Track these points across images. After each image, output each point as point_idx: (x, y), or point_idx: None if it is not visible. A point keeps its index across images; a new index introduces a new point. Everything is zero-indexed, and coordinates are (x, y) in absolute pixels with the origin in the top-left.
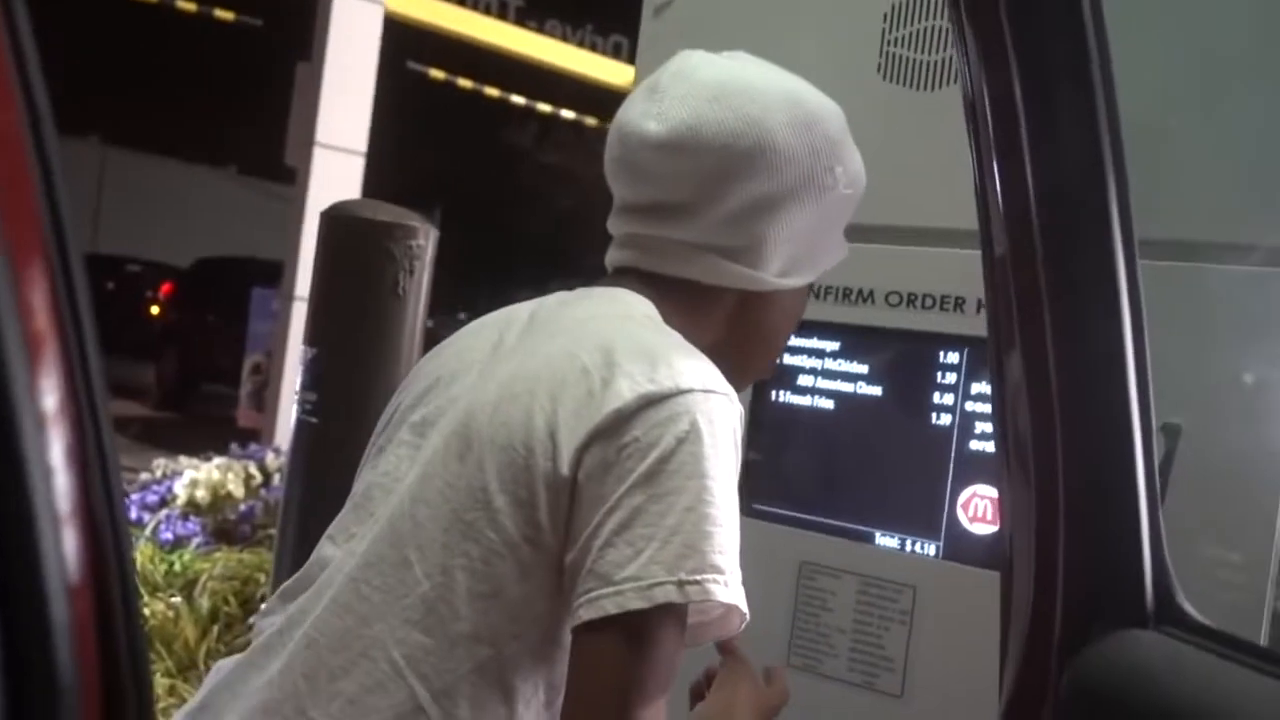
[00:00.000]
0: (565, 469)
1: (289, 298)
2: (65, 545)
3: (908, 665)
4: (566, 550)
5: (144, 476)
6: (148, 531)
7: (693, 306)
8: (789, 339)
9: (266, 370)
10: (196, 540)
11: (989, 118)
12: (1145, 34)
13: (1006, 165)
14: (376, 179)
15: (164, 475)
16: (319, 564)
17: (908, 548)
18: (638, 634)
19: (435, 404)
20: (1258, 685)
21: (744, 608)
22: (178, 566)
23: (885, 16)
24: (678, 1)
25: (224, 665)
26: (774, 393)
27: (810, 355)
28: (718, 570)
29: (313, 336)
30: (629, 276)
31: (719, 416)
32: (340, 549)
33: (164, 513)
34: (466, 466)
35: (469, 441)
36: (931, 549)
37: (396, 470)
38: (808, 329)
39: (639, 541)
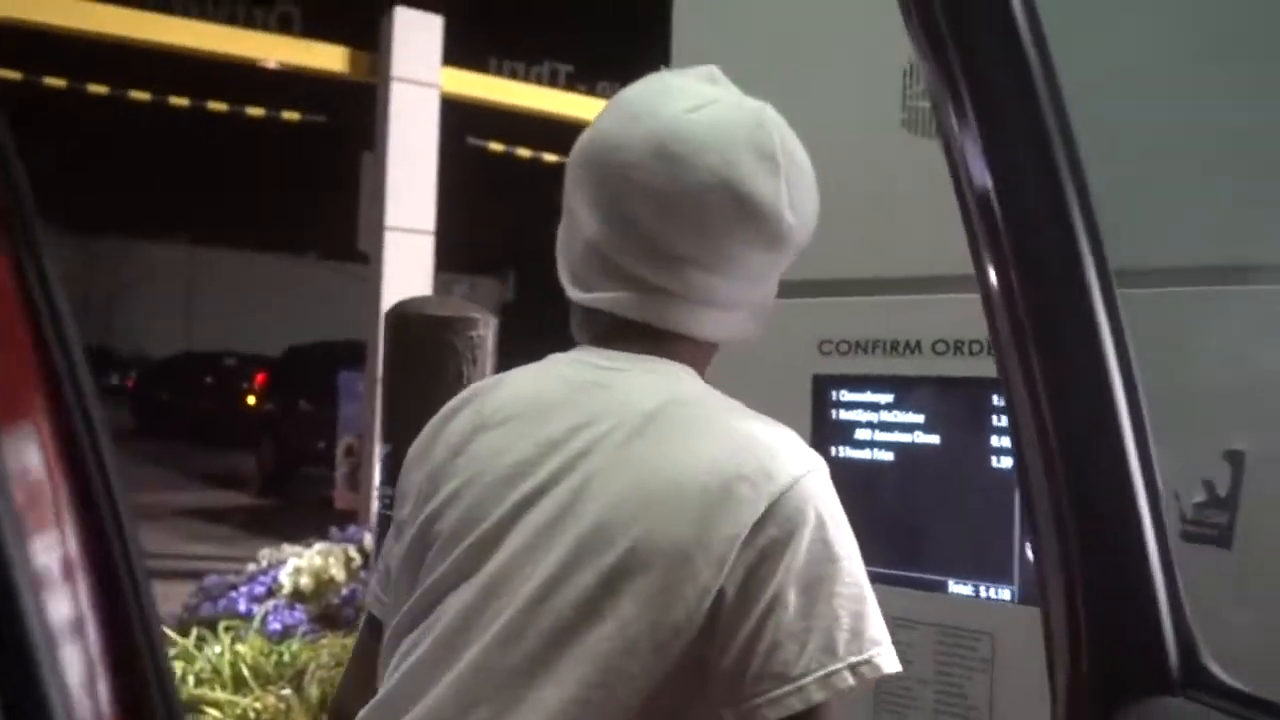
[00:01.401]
0: (711, 580)
1: (374, 380)
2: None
3: (993, 713)
4: (720, 657)
5: (250, 567)
6: (256, 623)
7: (701, 361)
8: None
9: (359, 452)
10: (302, 629)
11: (963, 168)
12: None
13: (982, 215)
14: (450, 253)
15: (269, 564)
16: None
17: (982, 594)
18: None
19: (536, 495)
20: None
21: (898, 669)
22: (286, 657)
23: (905, 73)
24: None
25: None
26: (833, 449)
27: (865, 409)
28: (877, 643)
29: (387, 432)
30: (623, 331)
31: (827, 491)
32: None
33: (271, 603)
34: (600, 596)
35: (579, 554)
36: (1006, 594)
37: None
38: (859, 384)
39: (803, 635)
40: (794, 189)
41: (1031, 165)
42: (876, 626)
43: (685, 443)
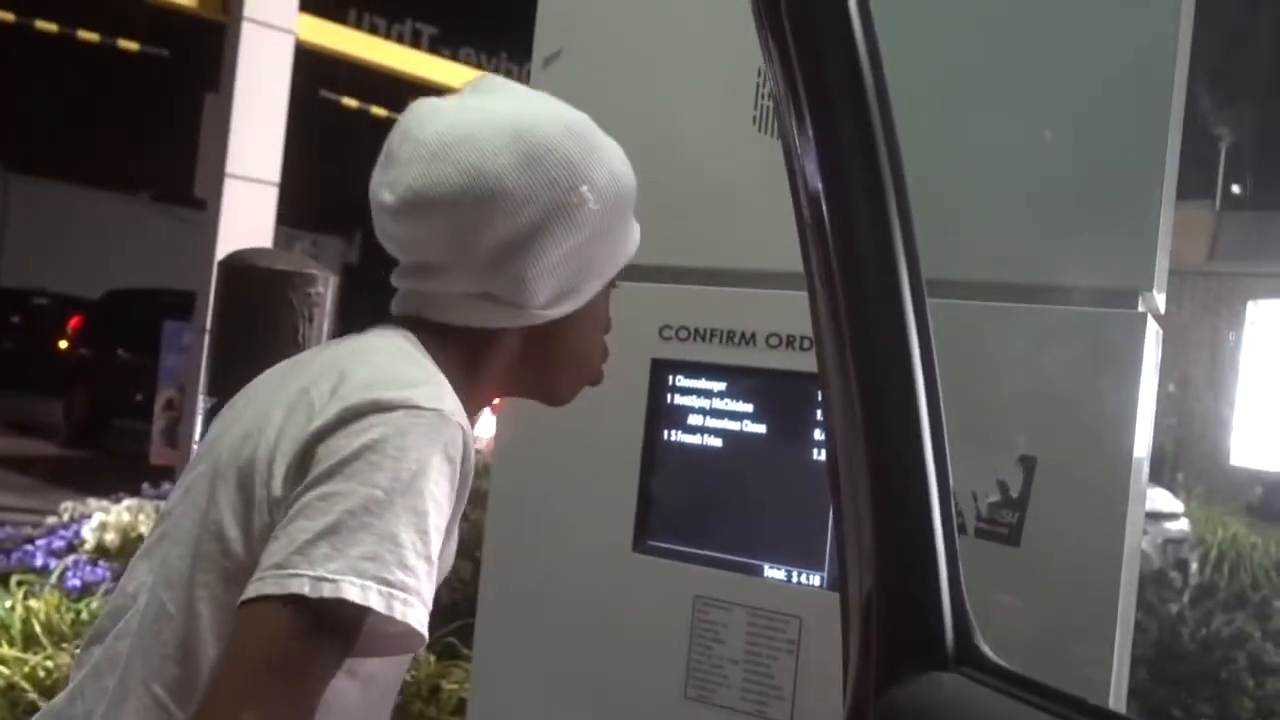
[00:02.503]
0: (278, 490)
1: (202, 331)
2: None
3: (796, 693)
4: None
5: (50, 520)
6: (53, 579)
7: (476, 347)
8: (601, 346)
9: (179, 406)
10: (106, 586)
11: (798, 170)
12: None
13: (810, 215)
14: (294, 208)
15: (71, 519)
16: (113, 610)
17: (794, 579)
18: (268, 621)
19: (205, 448)
20: None
21: (386, 612)
22: (85, 615)
23: (759, 71)
24: (564, 54)
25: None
26: (665, 432)
27: (698, 395)
28: (359, 574)
29: (212, 385)
30: (411, 321)
31: (417, 433)
32: (128, 592)
33: (71, 558)
34: (210, 503)
35: (213, 480)
36: (816, 580)
37: (170, 513)
38: (695, 371)
39: (297, 534)
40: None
41: (858, 172)
42: (373, 565)
43: (318, 370)
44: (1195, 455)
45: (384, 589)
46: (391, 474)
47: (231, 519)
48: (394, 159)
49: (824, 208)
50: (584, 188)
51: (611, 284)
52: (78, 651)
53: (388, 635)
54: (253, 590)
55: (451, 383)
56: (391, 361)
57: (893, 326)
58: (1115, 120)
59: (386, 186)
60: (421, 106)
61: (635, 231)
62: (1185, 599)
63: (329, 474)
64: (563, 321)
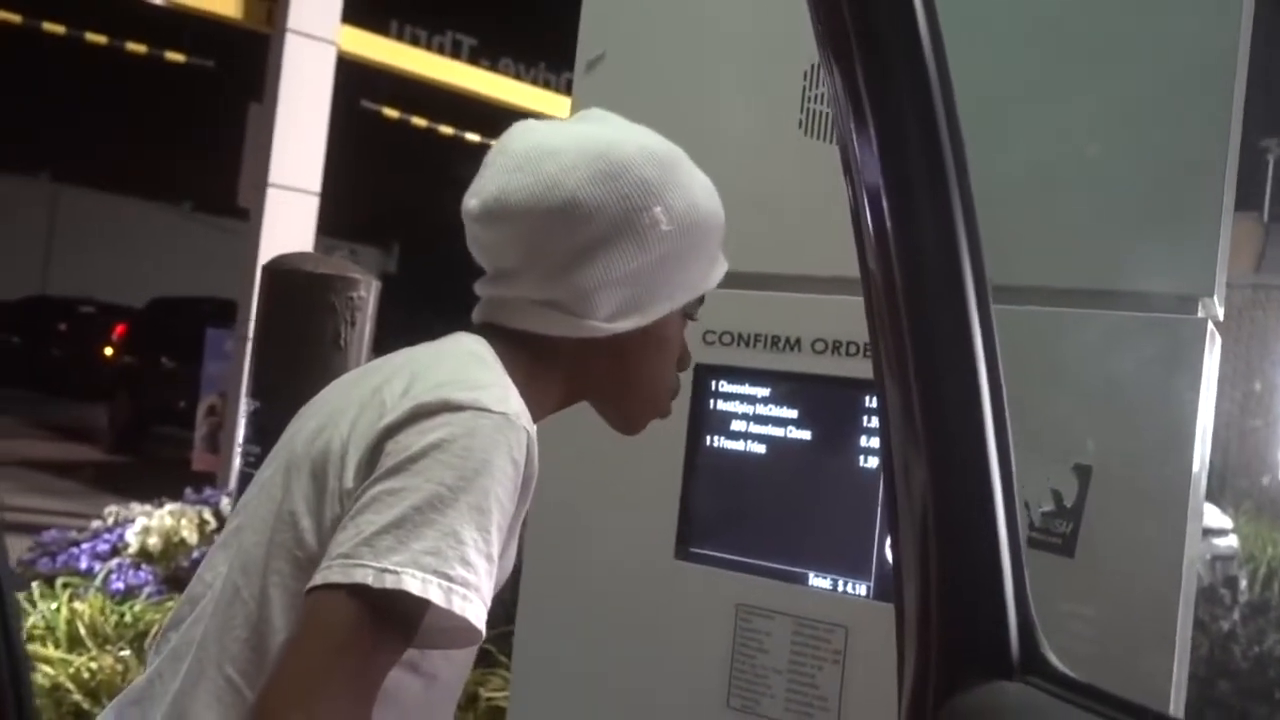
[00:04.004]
0: (350, 482)
1: (244, 339)
2: None
3: (842, 704)
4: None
5: (95, 524)
6: (98, 582)
7: (542, 355)
8: (672, 377)
9: (221, 412)
10: (148, 589)
11: (857, 174)
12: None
13: (872, 220)
14: (334, 218)
15: (115, 522)
16: (190, 596)
17: (840, 588)
18: (332, 608)
19: (280, 446)
20: None
21: (445, 605)
22: (129, 618)
23: (805, 75)
24: (608, 57)
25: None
26: (708, 438)
27: (742, 401)
28: (421, 568)
29: (255, 389)
30: (488, 329)
31: (484, 434)
32: (205, 580)
33: (115, 562)
34: (285, 494)
35: (288, 472)
36: (863, 589)
37: (247, 505)
38: (738, 376)
39: (364, 526)
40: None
41: (923, 176)
42: (436, 560)
43: (393, 370)
44: (1243, 470)
45: (444, 583)
46: (457, 472)
47: (305, 509)
48: (485, 170)
49: (885, 210)
50: (657, 209)
51: (688, 317)
52: (121, 653)
53: (445, 629)
54: (319, 578)
55: (519, 388)
56: (463, 365)
57: (957, 330)
58: (1177, 124)
59: (474, 194)
60: (519, 125)
61: (718, 266)
62: (1236, 616)
63: (397, 469)
64: (629, 343)
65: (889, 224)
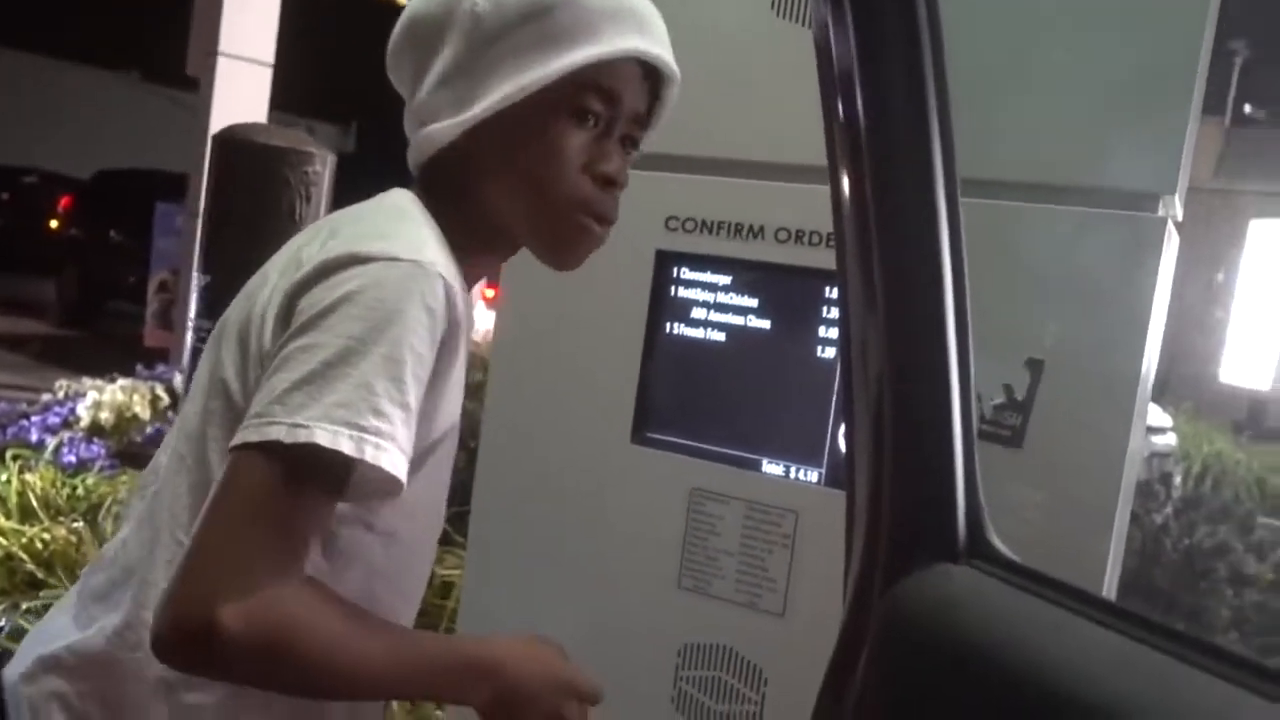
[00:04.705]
0: (268, 343)
1: (194, 214)
2: None
3: (789, 586)
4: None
5: (45, 398)
6: (48, 454)
7: (447, 195)
8: (579, 186)
9: (173, 288)
10: (100, 463)
11: (830, 59)
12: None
13: (844, 108)
14: (289, 93)
15: (66, 396)
16: (153, 465)
17: (792, 475)
18: (249, 467)
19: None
20: (1050, 615)
21: (357, 455)
22: (80, 490)
23: None
24: None
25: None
26: (667, 325)
27: (703, 289)
28: (332, 420)
29: (206, 263)
30: (419, 182)
31: (394, 283)
32: (164, 448)
33: (66, 435)
34: (216, 361)
35: (220, 339)
36: (814, 476)
37: (194, 378)
38: (700, 263)
39: (277, 385)
40: None
41: (899, 66)
42: (346, 412)
43: (313, 231)
44: (1185, 371)
45: (355, 433)
46: (368, 323)
47: (233, 374)
48: None
49: (858, 97)
50: None
51: (577, 116)
52: (74, 524)
53: (371, 479)
54: (237, 439)
55: (445, 232)
56: (380, 218)
57: (924, 222)
58: (1150, 23)
59: None
60: None
61: (583, 47)
62: (1169, 510)
63: (308, 326)
64: (510, 152)
65: (861, 112)
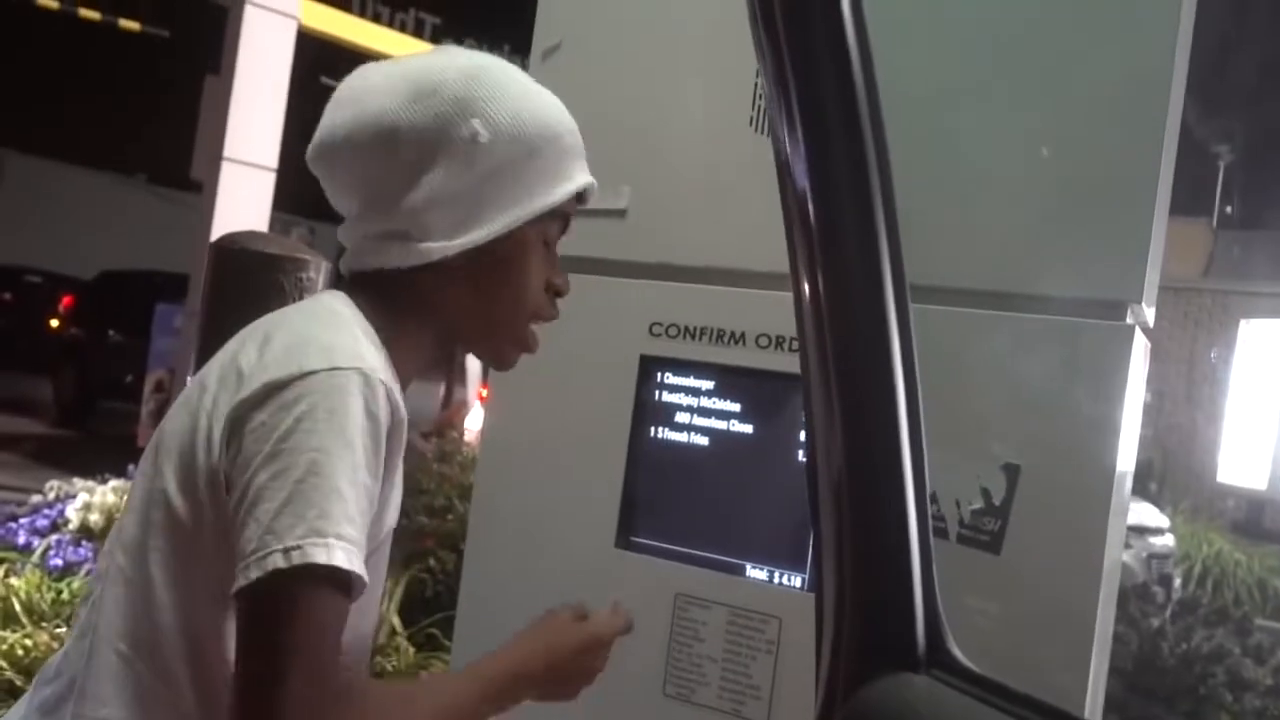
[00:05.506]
0: (215, 457)
1: (193, 314)
2: None
3: (774, 694)
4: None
5: (35, 499)
6: (35, 558)
7: (395, 300)
8: (536, 302)
9: (169, 388)
10: (88, 566)
11: (786, 174)
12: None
13: (799, 217)
14: (292, 195)
15: (56, 497)
16: (98, 574)
17: (776, 580)
18: (263, 602)
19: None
20: None
21: (348, 567)
22: (66, 595)
23: (757, 71)
24: (564, 47)
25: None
26: (652, 429)
27: (686, 394)
28: (319, 534)
29: (200, 368)
30: (354, 283)
31: (340, 392)
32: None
33: (54, 538)
34: (155, 473)
35: (158, 450)
36: (798, 581)
37: (132, 487)
38: (684, 368)
39: (262, 517)
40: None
41: (846, 173)
42: (327, 522)
43: (248, 338)
44: (1182, 471)
45: (345, 545)
46: (324, 435)
47: (175, 486)
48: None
49: (810, 207)
50: (474, 121)
51: (548, 243)
52: (57, 630)
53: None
54: (240, 579)
55: (381, 335)
56: (315, 324)
57: (874, 328)
58: (1108, 130)
59: (312, 141)
60: (357, 69)
61: (567, 182)
62: (1167, 614)
63: (274, 454)
64: (481, 269)
65: (812, 219)
